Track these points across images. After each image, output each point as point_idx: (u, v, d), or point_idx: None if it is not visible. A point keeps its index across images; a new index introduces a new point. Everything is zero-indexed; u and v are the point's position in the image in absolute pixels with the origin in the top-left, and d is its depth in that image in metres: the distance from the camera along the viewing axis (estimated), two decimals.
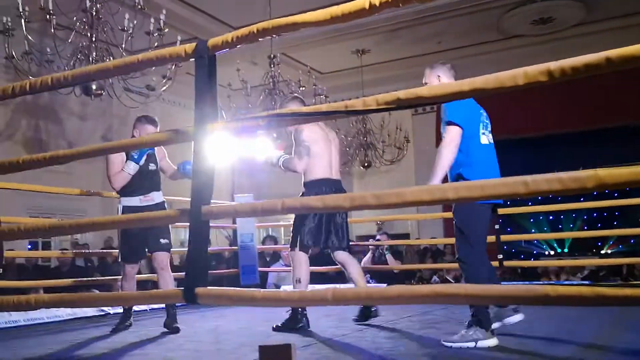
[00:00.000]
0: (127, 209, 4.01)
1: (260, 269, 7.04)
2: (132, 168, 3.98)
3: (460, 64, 10.16)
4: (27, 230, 2.79)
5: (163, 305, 5.25)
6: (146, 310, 5.25)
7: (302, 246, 3.81)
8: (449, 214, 8.07)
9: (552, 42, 9.94)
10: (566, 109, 10.27)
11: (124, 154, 3.97)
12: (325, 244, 3.89)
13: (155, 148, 4.19)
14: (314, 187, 3.77)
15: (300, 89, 8.78)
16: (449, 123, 3.13)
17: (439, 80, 3.41)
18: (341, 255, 3.95)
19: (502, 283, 5.91)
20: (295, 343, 1.95)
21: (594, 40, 9.14)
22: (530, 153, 10.56)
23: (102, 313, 4.99)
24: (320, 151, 3.85)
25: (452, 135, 3.09)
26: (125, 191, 4.05)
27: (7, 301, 2.48)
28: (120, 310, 5.04)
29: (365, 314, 3.91)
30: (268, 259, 8.39)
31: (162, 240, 4.07)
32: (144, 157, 4.02)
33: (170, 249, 4.16)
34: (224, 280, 7.47)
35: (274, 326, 3.76)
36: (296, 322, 3.71)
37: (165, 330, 3.93)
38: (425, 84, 3.54)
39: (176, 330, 3.87)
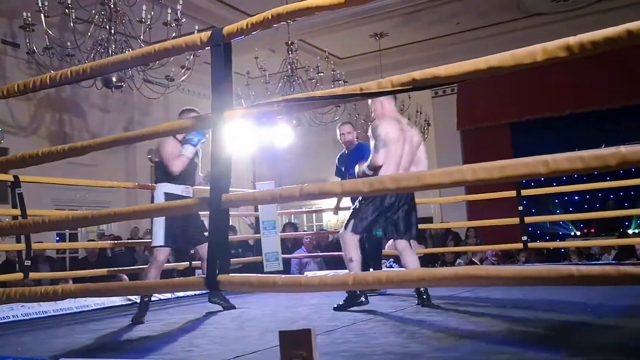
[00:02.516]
0: (168, 196, 3.98)
1: (283, 255, 7.07)
2: (190, 151, 3.96)
3: (480, 45, 10.17)
4: (53, 222, 2.83)
5: (187, 293, 5.33)
6: (170, 298, 5.32)
7: (353, 230, 3.93)
8: (473, 197, 8.06)
9: (575, 20, 9.73)
10: (587, 87, 10.08)
11: (172, 137, 3.96)
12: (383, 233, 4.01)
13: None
14: None
15: (319, 74, 8.75)
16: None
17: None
18: (400, 244, 4.04)
19: (525, 265, 5.97)
20: (318, 329, 1.96)
21: (618, 16, 8.90)
22: (553, 134, 10.40)
23: (129, 302, 5.06)
24: (392, 150, 3.90)
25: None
26: (170, 178, 4.02)
27: (35, 292, 2.53)
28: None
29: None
30: (290, 246, 8.43)
31: (206, 234, 4.03)
32: (201, 142, 3.98)
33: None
34: (248, 267, 7.53)
35: (335, 306, 3.89)
36: (355, 298, 3.85)
37: (193, 316, 4.07)
38: (349, 133, 5.15)
39: (232, 307, 4.29)
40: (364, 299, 3.88)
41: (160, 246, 3.97)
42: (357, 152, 5.05)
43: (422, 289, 3.85)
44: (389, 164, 3.90)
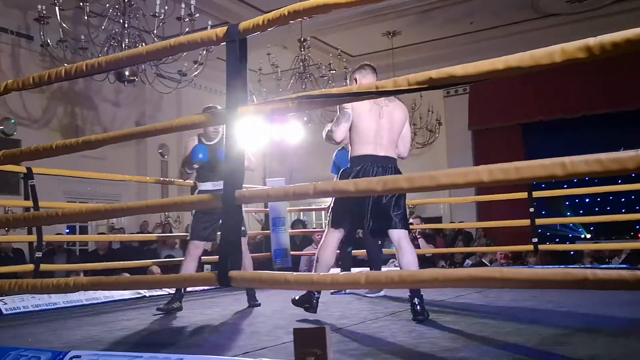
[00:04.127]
0: (201, 192, 4.27)
1: (292, 252, 7.08)
2: (192, 167, 4.38)
3: (493, 45, 10.13)
4: (66, 215, 2.84)
5: (196, 288, 5.34)
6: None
7: (333, 226, 3.55)
8: (482, 197, 8.01)
9: (590, 21, 9.66)
10: (600, 90, 10.00)
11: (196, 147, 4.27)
12: (365, 225, 3.53)
13: None
14: (356, 163, 3.51)
15: (331, 72, 8.75)
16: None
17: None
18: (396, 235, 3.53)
19: (536, 267, 5.91)
20: (329, 326, 1.95)
21: (634, 18, 8.84)
22: (565, 136, 10.33)
23: (139, 295, 5.08)
24: (364, 125, 3.51)
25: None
26: (200, 178, 4.43)
27: (47, 284, 2.54)
28: (155, 292, 5.16)
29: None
30: (298, 243, 8.43)
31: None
32: (197, 163, 4.27)
33: (246, 234, 4.39)
34: (256, 263, 7.55)
35: (293, 297, 3.58)
36: (306, 302, 3.48)
37: (202, 311, 4.09)
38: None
39: (258, 305, 4.31)
40: (313, 307, 3.46)
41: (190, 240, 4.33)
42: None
43: (416, 300, 3.28)
44: (360, 143, 3.51)
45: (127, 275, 6.27)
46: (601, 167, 1.53)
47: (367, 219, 3.47)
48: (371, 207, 3.45)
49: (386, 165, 3.54)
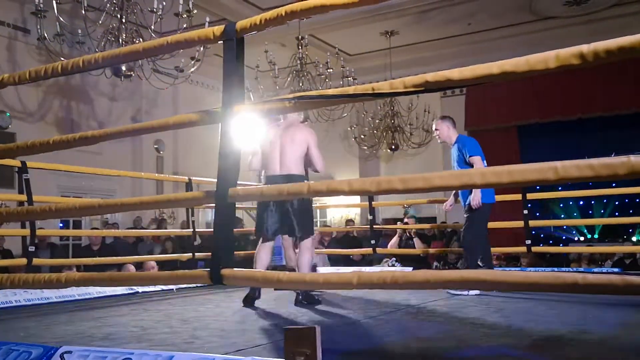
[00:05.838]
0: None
1: None
2: None
3: (491, 46, 10.14)
4: (60, 210, 2.84)
5: (189, 285, 5.35)
6: (172, 289, 5.33)
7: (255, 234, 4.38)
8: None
9: (587, 24, 9.70)
10: (596, 93, 10.03)
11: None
12: (273, 231, 4.24)
13: None
14: (267, 182, 4.22)
15: (328, 70, 8.74)
16: (472, 157, 4.50)
17: (449, 129, 4.88)
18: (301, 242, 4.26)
19: (529, 269, 5.95)
20: (321, 326, 1.96)
21: (632, 22, 8.88)
22: (560, 138, 10.37)
23: (132, 292, 5.08)
24: (267, 153, 4.24)
25: (480, 164, 4.44)
26: None
27: (39, 279, 2.54)
28: (148, 289, 5.15)
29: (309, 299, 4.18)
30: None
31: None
32: None
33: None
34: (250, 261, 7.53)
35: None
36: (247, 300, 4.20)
37: (194, 308, 4.07)
38: (437, 130, 4.98)
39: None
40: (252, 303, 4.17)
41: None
42: (456, 145, 4.85)
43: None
44: (266, 166, 4.27)
45: (132, 267, 6.28)
46: (593, 173, 1.54)
47: (269, 225, 4.18)
48: (276, 213, 4.14)
49: (287, 182, 4.04)
